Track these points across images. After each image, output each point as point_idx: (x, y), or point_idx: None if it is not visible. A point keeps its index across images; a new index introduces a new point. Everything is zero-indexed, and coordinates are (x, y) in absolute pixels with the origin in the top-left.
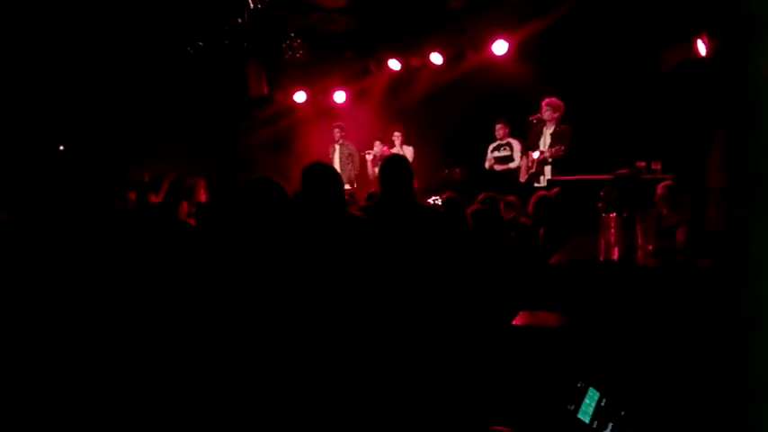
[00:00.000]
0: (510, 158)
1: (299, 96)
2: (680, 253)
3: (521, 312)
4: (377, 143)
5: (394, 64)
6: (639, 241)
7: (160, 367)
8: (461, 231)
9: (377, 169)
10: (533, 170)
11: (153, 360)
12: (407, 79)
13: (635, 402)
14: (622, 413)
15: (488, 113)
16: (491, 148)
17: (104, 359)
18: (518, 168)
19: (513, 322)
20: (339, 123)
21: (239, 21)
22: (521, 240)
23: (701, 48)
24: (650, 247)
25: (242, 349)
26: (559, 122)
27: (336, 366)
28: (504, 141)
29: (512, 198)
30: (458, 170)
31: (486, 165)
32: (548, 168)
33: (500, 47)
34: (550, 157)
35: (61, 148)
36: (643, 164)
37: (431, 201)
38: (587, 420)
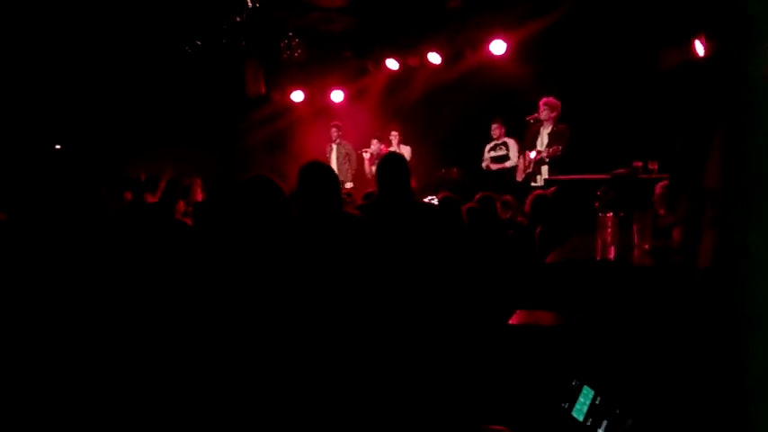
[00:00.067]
0: (506, 158)
1: (297, 96)
2: (676, 253)
3: (518, 311)
4: (374, 141)
5: (392, 64)
6: (636, 241)
7: (157, 367)
8: (457, 230)
9: (374, 168)
10: (530, 170)
11: (150, 359)
12: (405, 79)
13: (630, 400)
14: (617, 411)
15: (486, 113)
16: (487, 148)
17: (101, 358)
18: (514, 167)
19: (510, 321)
20: (336, 123)
21: (237, 20)
22: (517, 240)
23: (699, 48)
24: (647, 247)
25: (239, 348)
26: (557, 122)
27: (333, 365)
28: (500, 141)
29: (508, 197)
30: (455, 170)
31: (483, 165)
32: (545, 168)
33: (498, 47)
34: (547, 156)
35: (57, 147)
36: (640, 164)
37: (427, 200)
38: (581, 418)
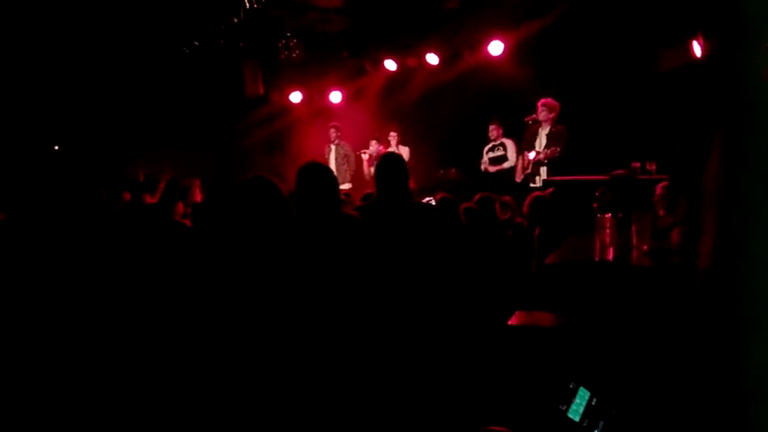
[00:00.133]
0: (504, 158)
1: (295, 96)
2: (675, 254)
3: (516, 312)
4: (373, 142)
5: (390, 64)
6: (635, 242)
7: (156, 368)
8: (456, 231)
9: (373, 169)
10: (529, 171)
11: (149, 360)
12: (403, 80)
13: (626, 402)
14: (613, 412)
15: (484, 114)
16: (486, 149)
17: (100, 359)
18: (513, 168)
19: (509, 322)
20: (335, 123)
21: (235, 20)
22: (516, 240)
23: (697, 49)
24: (645, 248)
25: (238, 349)
26: (555, 123)
27: (332, 366)
28: (498, 142)
29: (507, 198)
30: (453, 170)
31: (482, 167)
32: (543, 169)
33: (496, 47)
34: (546, 158)
35: (56, 147)
36: (638, 164)
37: (425, 201)
38: (577, 419)
